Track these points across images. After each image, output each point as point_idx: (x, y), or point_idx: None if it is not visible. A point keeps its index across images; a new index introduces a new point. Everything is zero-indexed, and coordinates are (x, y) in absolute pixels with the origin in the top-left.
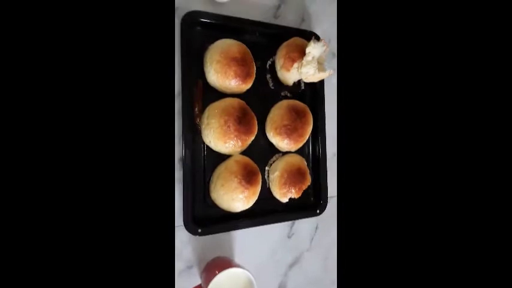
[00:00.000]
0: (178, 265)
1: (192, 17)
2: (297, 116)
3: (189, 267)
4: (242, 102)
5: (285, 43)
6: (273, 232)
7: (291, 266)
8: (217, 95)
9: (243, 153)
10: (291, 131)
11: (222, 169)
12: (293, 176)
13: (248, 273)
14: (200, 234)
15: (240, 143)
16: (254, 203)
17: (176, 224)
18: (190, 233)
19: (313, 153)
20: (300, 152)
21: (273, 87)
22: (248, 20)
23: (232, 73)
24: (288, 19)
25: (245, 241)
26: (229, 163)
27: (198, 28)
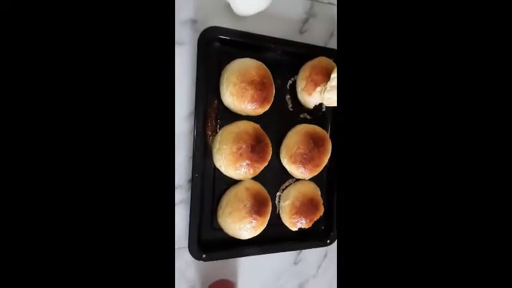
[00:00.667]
0: (181, 285)
1: (210, 33)
2: (314, 144)
3: None
4: (257, 127)
5: (309, 63)
6: (279, 258)
7: None
8: (232, 116)
9: (254, 177)
10: (306, 160)
11: (231, 196)
12: (305, 207)
13: None
14: (204, 260)
15: (251, 171)
16: (262, 232)
17: (182, 245)
18: (195, 257)
19: (329, 182)
20: (315, 178)
21: (291, 109)
22: (270, 37)
23: (249, 97)
24: (316, 34)
25: (250, 265)
26: (239, 190)
27: (217, 44)
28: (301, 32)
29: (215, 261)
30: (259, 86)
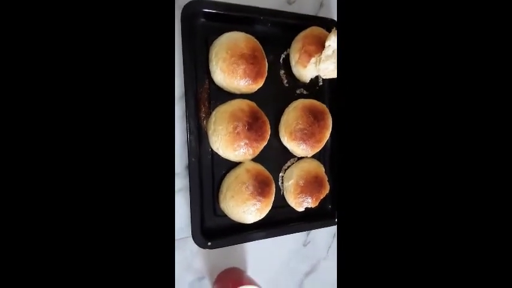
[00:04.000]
0: (189, 276)
1: (193, 8)
2: (314, 119)
3: (200, 279)
4: (252, 104)
5: (301, 34)
6: (287, 241)
7: (307, 274)
8: (225, 95)
9: (255, 159)
10: (307, 136)
11: (232, 179)
12: (310, 184)
13: None
14: (210, 248)
15: (251, 151)
16: (267, 215)
17: (185, 235)
18: (199, 246)
19: (332, 158)
20: (318, 156)
21: (287, 85)
22: (257, 8)
23: (240, 72)
24: (305, 5)
25: (258, 250)
26: (239, 172)
27: (202, 20)
28: (289, 3)
29: (222, 248)
30: (251, 59)
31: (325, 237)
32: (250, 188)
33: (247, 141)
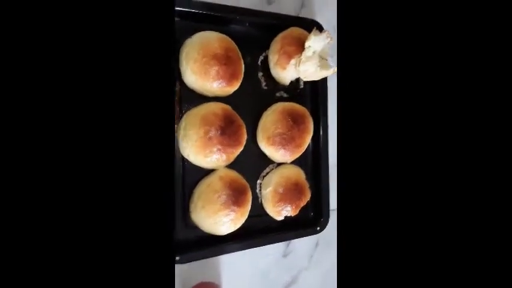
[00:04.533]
0: None
1: None
2: (294, 123)
3: None
4: (227, 107)
5: (280, 35)
6: (266, 251)
7: (288, 286)
8: (198, 98)
9: (230, 166)
10: (286, 141)
11: (203, 187)
12: (289, 192)
13: None
14: (179, 262)
15: (224, 157)
16: (243, 224)
17: None
18: None
19: (314, 163)
20: (298, 161)
21: (266, 87)
22: (234, 7)
23: (213, 74)
24: (285, 5)
25: (235, 262)
26: (212, 180)
27: (175, 19)
28: (268, 3)
29: (195, 262)
30: (224, 60)
31: (307, 247)
32: (223, 197)
33: (220, 147)
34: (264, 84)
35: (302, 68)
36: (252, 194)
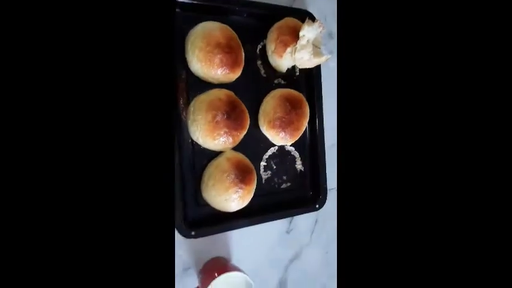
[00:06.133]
0: (175, 267)
1: None
2: (291, 107)
3: (186, 269)
4: (231, 93)
5: (276, 25)
6: (271, 228)
7: (291, 261)
8: (203, 85)
9: (235, 148)
10: (286, 124)
11: (212, 168)
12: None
13: (246, 277)
14: (194, 237)
15: (231, 139)
16: (249, 202)
17: None
18: (184, 236)
19: (311, 145)
20: (297, 144)
21: (264, 75)
22: None
23: (217, 61)
24: None
25: (242, 239)
26: (220, 161)
27: (177, 10)
28: None
29: (206, 239)
30: (227, 48)
31: (308, 224)
32: (232, 176)
33: (226, 130)
34: (263, 72)
35: (297, 55)
36: (256, 174)
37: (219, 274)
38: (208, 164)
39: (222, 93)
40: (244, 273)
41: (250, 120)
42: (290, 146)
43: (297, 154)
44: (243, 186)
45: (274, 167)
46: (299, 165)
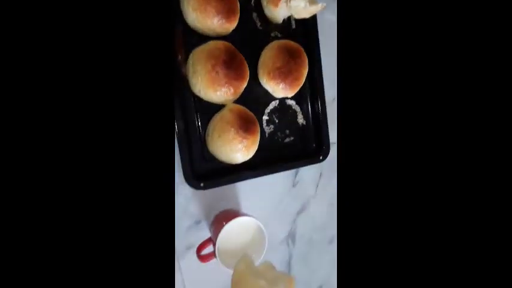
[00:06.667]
0: (186, 221)
1: None
2: (290, 57)
3: (197, 222)
4: (228, 44)
5: None
6: (277, 182)
7: (299, 213)
8: (200, 38)
9: (237, 102)
10: (285, 74)
11: (217, 120)
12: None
13: (256, 221)
14: (203, 188)
15: (232, 90)
16: (254, 155)
17: (177, 180)
18: (193, 187)
19: (312, 97)
20: (298, 96)
21: (261, 27)
22: None
23: (212, 10)
24: None
25: (250, 193)
26: (223, 113)
27: None
28: None
29: (215, 193)
30: None
31: (313, 177)
32: (236, 126)
33: (227, 80)
34: (259, 24)
35: (293, 3)
36: (259, 129)
37: (228, 222)
38: (213, 117)
39: (220, 43)
40: (254, 217)
41: (250, 75)
42: (291, 100)
43: (298, 108)
44: (247, 135)
45: (277, 121)
46: (300, 119)
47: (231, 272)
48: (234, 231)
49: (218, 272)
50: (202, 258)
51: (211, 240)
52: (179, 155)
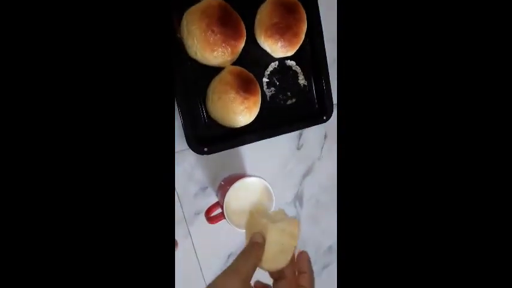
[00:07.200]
0: (192, 188)
1: None
2: (287, 12)
3: (203, 189)
4: (222, 1)
5: None
6: (281, 145)
7: (305, 175)
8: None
9: (235, 64)
10: (283, 30)
11: (216, 82)
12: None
13: (263, 181)
14: (207, 153)
15: (229, 50)
16: (257, 119)
17: (180, 148)
18: (196, 152)
19: (313, 57)
20: (298, 56)
21: None
22: None
23: None
24: None
25: (255, 158)
26: (222, 75)
27: None
28: None
29: (220, 158)
30: None
31: (317, 139)
32: (235, 87)
33: (223, 38)
34: None
35: None
36: (260, 91)
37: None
38: (212, 81)
39: (214, 0)
40: (261, 177)
41: (247, 37)
42: (291, 60)
43: (298, 69)
44: (248, 96)
45: (277, 83)
46: (302, 80)
47: (239, 233)
48: (241, 192)
49: (226, 235)
50: (212, 219)
51: (219, 204)
52: (181, 122)
